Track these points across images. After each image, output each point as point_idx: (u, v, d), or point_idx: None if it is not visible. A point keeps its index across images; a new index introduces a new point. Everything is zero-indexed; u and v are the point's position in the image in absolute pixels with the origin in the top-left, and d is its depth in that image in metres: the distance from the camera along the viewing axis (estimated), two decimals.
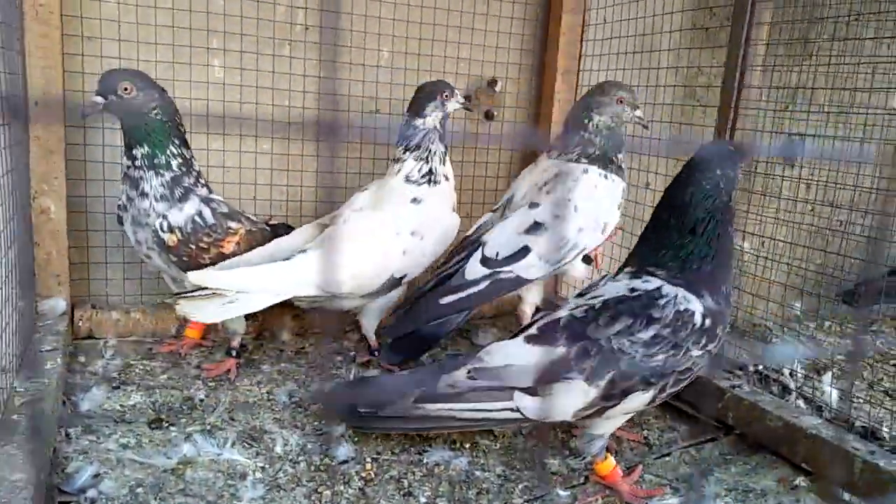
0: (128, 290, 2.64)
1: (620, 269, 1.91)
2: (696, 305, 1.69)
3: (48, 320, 2.28)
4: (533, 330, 1.82)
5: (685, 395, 2.27)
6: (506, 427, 2.02)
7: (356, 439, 1.95)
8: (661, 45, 2.90)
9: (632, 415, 1.88)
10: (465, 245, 2.44)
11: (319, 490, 1.71)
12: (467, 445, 1.98)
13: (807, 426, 1.94)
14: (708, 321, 1.69)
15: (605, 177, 2.38)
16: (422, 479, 1.80)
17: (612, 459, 1.82)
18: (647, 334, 1.66)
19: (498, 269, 2.30)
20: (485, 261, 2.31)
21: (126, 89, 2.08)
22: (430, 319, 2.33)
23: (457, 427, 1.88)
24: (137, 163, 2.16)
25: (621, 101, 2.39)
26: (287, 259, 2.24)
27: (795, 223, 2.69)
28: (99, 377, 2.21)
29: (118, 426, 1.92)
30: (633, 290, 1.74)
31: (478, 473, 1.85)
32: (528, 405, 1.72)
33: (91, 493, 1.62)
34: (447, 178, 2.48)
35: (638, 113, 2.43)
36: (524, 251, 2.29)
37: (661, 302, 1.69)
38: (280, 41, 2.68)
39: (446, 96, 2.44)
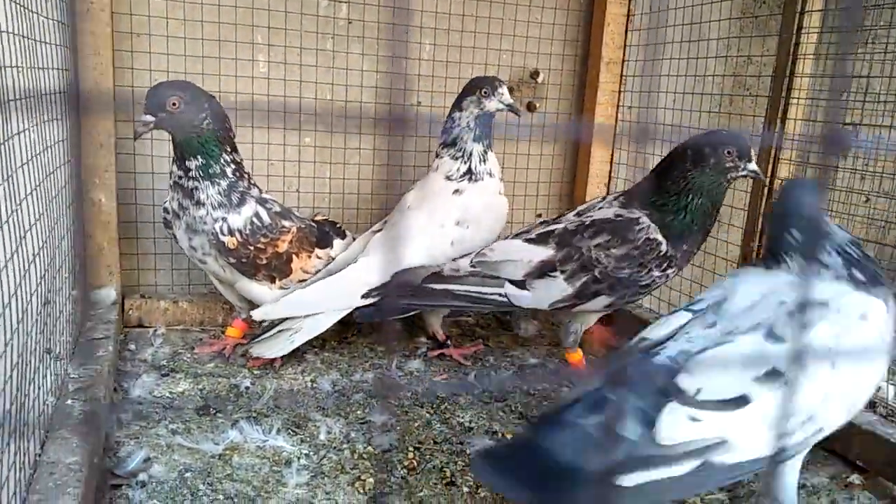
0: (176, 281, 2.70)
1: (616, 196, 2.24)
2: (661, 237, 2.06)
3: (100, 309, 2.34)
4: (532, 235, 2.20)
5: None
6: (491, 308, 2.46)
7: (399, 428, 1.96)
8: (709, 34, 2.83)
9: (600, 315, 2.27)
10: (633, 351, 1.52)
11: (363, 478, 1.72)
12: (509, 436, 1.97)
13: (862, 422, 1.88)
14: (670, 251, 2.06)
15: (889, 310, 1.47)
16: (464, 469, 1.80)
17: (580, 352, 2.35)
18: (620, 251, 2.05)
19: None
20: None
21: (174, 104, 2.05)
22: None
23: (454, 305, 2.24)
24: (192, 174, 2.14)
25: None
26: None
27: (849, 214, 2.61)
28: (148, 365, 2.26)
29: (167, 412, 1.96)
30: (618, 215, 2.12)
31: None
32: (515, 293, 2.14)
33: (142, 476, 1.65)
34: (491, 175, 2.42)
35: None
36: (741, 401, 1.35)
37: (637, 228, 2.06)
38: (323, 35, 2.70)
39: (485, 93, 2.33)
